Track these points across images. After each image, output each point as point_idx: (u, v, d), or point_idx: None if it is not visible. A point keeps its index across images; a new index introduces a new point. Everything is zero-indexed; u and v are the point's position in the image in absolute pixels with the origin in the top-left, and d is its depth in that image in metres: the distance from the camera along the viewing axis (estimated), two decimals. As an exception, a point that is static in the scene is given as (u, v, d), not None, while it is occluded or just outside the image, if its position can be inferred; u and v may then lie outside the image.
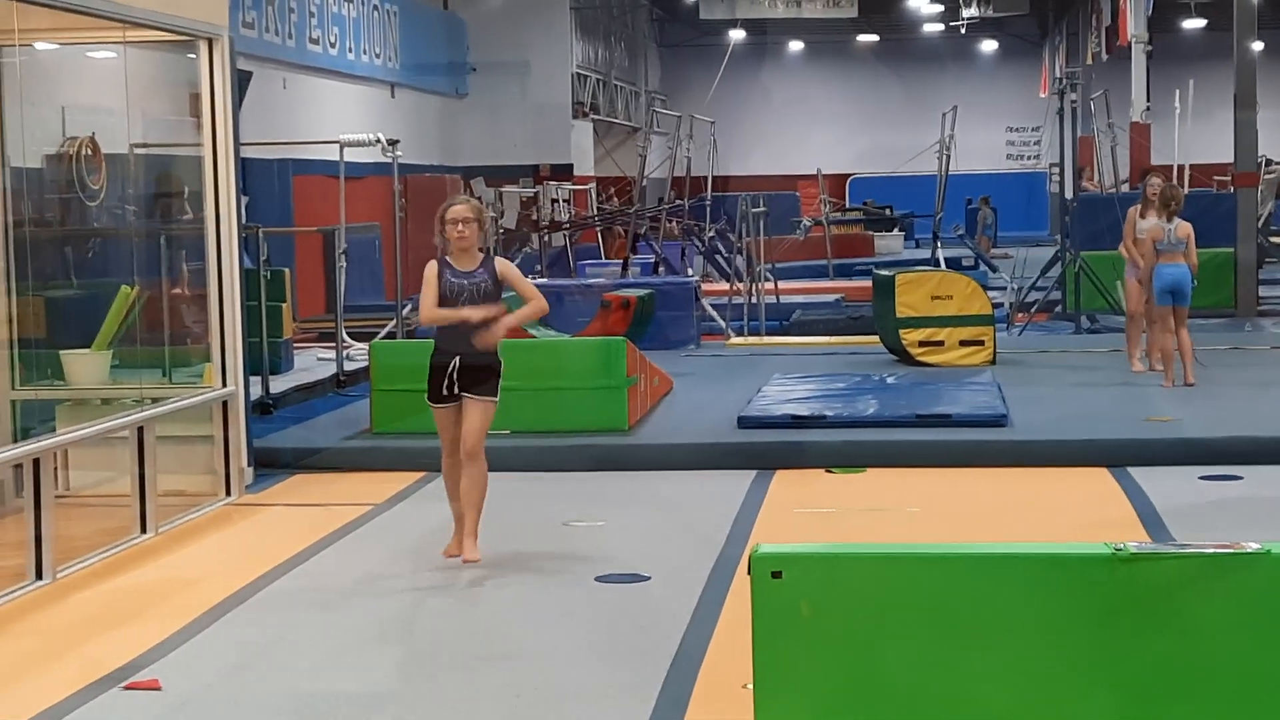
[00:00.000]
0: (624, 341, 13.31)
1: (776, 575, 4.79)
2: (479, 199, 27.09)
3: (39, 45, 11.89)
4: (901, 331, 16.71)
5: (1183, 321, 14.54)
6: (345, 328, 17.92)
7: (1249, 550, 4.75)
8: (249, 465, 11.69)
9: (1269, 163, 31.68)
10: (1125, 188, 32.17)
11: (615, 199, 36.35)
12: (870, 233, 38.16)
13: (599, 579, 8.85)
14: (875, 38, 51.70)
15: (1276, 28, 44.01)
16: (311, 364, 18.34)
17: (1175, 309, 14.50)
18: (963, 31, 45.18)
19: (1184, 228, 14.55)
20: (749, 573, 4.80)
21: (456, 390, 8.98)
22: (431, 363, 9.06)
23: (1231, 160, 23.20)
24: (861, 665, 4.80)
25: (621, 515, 10.70)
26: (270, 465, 12.32)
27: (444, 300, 8.95)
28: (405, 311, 17.79)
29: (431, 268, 9.02)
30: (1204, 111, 38.14)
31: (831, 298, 24.34)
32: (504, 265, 9.10)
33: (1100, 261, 20.59)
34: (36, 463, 9.08)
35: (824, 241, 30.94)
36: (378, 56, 29.48)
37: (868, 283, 20.36)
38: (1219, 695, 4.72)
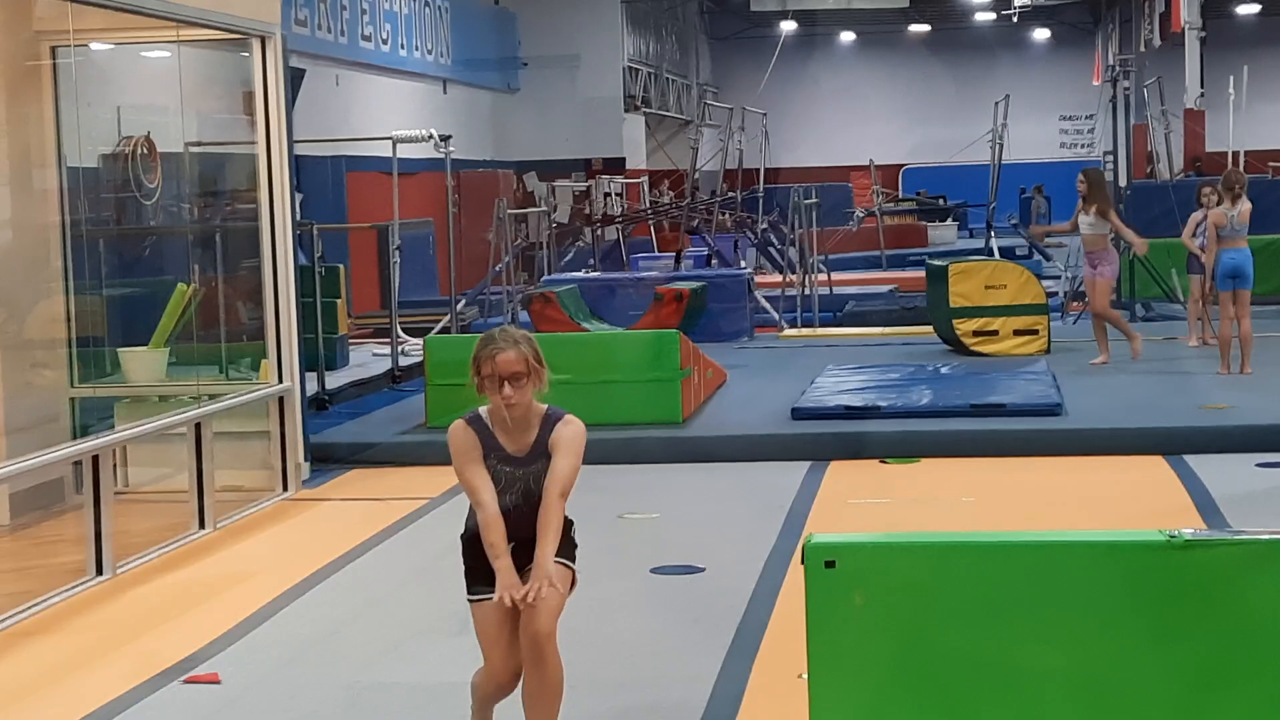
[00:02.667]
0: (677, 334, 13.33)
1: (830, 565, 4.79)
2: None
3: (94, 45, 11.99)
4: (955, 321, 16.67)
5: (1245, 308, 14.47)
6: (400, 323, 18.01)
7: (1305, 536, 4.73)
8: (305, 460, 11.76)
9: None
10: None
11: (668, 192, 36.38)
12: (923, 223, 38.03)
13: (654, 570, 8.88)
14: (927, 27, 51.51)
15: (1332, 12, 43.68)
16: (367, 359, 18.44)
17: (1237, 293, 14.43)
18: (1014, 20, 44.97)
19: (1246, 212, 14.51)
20: (803, 562, 4.81)
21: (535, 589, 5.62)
22: (467, 540, 5.87)
23: (1287, 146, 23.01)
24: (915, 654, 4.80)
25: (676, 507, 10.72)
26: (326, 460, 12.39)
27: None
28: (460, 306, 17.84)
29: (466, 437, 5.74)
30: (1259, 97, 37.88)
31: (885, 288, 24.26)
32: (564, 435, 5.75)
33: (1155, 250, 20.44)
34: (96, 459, 9.16)
35: (877, 232, 30.88)
36: (429, 52, 29.55)
37: (921, 273, 20.30)
38: (1275, 681, 4.70)
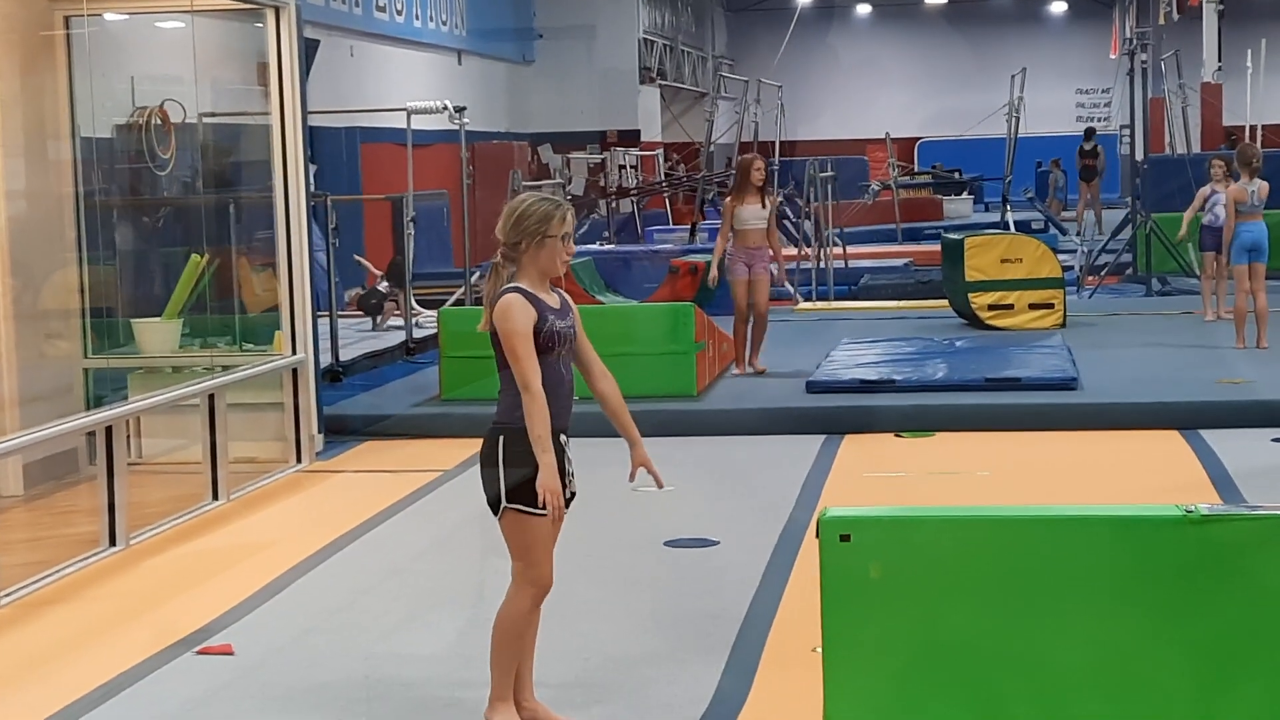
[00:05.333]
0: (692, 307, 13.30)
1: (845, 538, 4.78)
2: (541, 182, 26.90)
3: (108, 16, 11.96)
4: (971, 295, 16.63)
5: (1261, 282, 14.44)
6: (414, 295, 17.99)
7: (1322, 512, 4.71)
8: (319, 432, 11.75)
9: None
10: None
11: (683, 165, 36.32)
12: (939, 196, 37.90)
13: (668, 544, 8.87)
14: (944, 0, 51.38)
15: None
16: (381, 331, 18.43)
17: (1254, 267, 14.39)
18: (1032, -8, 44.82)
19: (1264, 188, 14.47)
20: (817, 536, 4.79)
21: (573, 488, 6.07)
22: (514, 435, 5.82)
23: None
24: (931, 628, 4.78)
25: (690, 480, 10.69)
26: (340, 432, 12.38)
27: (547, 351, 5.79)
28: (474, 278, 17.81)
29: (527, 310, 5.78)
30: (1277, 71, 37.69)
31: (900, 262, 24.22)
32: (576, 310, 6.05)
33: (1171, 223, 20.40)
34: (109, 430, 9.16)
35: (892, 205, 30.81)
36: (444, 23, 29.50)
37: (936, 247, 20.26)
38: (1292, 657, 4.68)
